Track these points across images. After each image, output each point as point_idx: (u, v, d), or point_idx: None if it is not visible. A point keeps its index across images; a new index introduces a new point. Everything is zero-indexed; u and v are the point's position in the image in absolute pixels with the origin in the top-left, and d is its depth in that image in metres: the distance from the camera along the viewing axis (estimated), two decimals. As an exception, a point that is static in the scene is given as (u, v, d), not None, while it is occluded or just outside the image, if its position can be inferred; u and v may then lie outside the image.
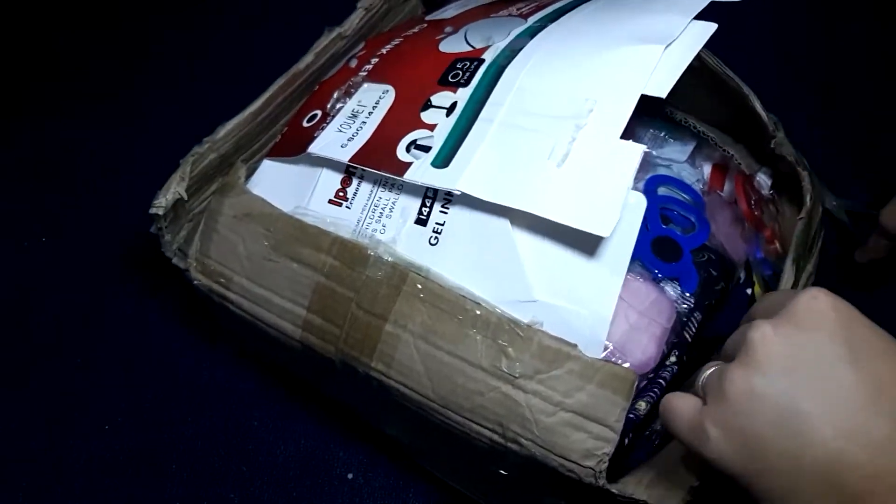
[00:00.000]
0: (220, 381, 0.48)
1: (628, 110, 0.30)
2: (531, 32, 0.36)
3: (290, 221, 0.36)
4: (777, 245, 0.43)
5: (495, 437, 0.31)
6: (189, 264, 0.39)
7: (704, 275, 0.36)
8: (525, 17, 0.39)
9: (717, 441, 0.23)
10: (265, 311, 0.37)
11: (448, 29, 0.42)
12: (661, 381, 0.33)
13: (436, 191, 0.34)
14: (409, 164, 0.33)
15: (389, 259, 0.33)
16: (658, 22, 0.32)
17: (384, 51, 0.42)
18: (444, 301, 0.32)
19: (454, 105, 0.35)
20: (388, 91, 0.38)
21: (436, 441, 0.36)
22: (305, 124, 0.41)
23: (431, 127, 0.34)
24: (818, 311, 0.23)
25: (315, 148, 0.37)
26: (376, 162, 0.34)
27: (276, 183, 0.39)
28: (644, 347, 0.32)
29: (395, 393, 0.33)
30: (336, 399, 0.43)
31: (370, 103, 0.38)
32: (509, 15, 0.41)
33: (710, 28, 0.32)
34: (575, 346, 0.30)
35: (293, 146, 0.40)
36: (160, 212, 0.37)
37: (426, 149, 0.34)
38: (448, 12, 0.46)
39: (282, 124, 0.43)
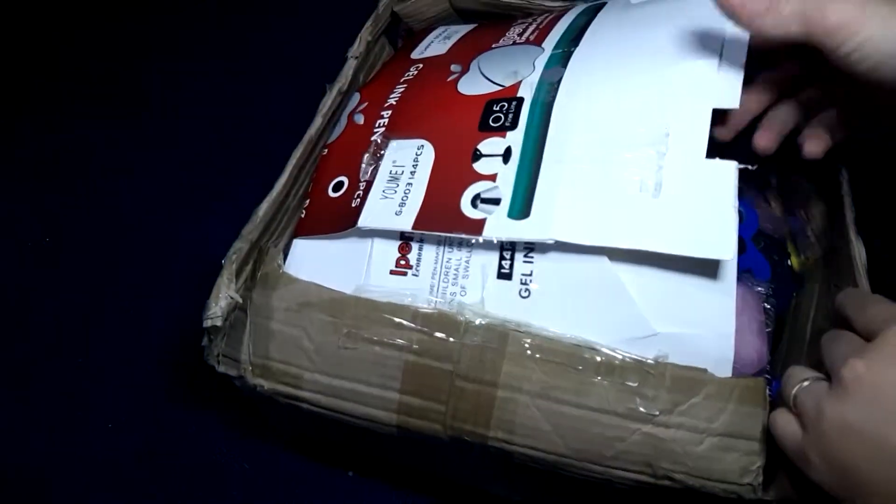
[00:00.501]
0: (221, 378, 0.47)
1: (705, 128, 0.29)
2: (560, 61, 0.35)
3: (359, 303, 0.34)
4: (802, 212, 0.44)
5: (643, 477, 0.30)
6: (244, 370, 0.36)
7: (770, 261, 0.37)
8: (537, 42, 0.38)
9: (819, 468, 0.25)
10: (349, 403, 0.34)
11: (455, 67, 0.40)
12: (767, 376, 0.34)
13: (513, 241, 0.32)
14: (482, 221, 0.32)
15: (482, 321, 0.32)
16: (695, 33, 0.32)
17: (392, 101, 0.40)
18: (557, 354, 0.31)
19: (508, 150, 0.33)
20: (423, 146, 0.36)
21: (563, 492, 0.35)
22: (332, 194, 0.38)
23: (491, 177, 0.33)
24: None
25: (366, 220, 0.34)
26: (443, 224, 0.33)
27: (318, 263, 0.37)
28: (753, 345, 0.32)
29: (520, 457, 0.32)
30: (434, 472, 0.41)
31: (408, 162, 0.36)
32: (514, 43, 0.40)
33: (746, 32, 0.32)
34: (705, 370, 0.29)
35: (329, 221, 0.37)
36: (218, 322, 0.33)
37: (495, 201, 0.32)
38: (436, 47, 0.45)
39: (299, 198, 0.40)
